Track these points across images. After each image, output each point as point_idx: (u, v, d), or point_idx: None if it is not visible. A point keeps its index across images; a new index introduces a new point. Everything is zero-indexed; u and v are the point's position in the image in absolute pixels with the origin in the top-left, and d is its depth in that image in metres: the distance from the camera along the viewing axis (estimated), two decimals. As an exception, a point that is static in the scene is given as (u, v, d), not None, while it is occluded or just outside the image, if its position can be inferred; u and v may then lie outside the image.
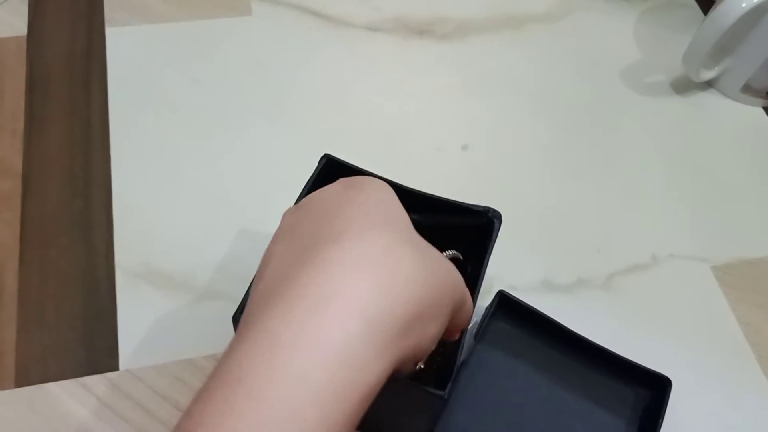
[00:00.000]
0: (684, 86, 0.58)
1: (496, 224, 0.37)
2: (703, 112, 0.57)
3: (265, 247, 0.29)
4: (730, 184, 0.53)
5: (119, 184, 0.49)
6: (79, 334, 0.43)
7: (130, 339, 0.42)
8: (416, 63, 0.57)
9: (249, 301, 0.26)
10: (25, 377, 0.41)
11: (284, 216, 0.31)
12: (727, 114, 0.57)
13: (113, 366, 0.42)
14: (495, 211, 0.38)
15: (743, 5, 0.49)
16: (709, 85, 0.58)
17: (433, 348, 0.28)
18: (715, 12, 0.50)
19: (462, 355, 0.34)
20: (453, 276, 0.28)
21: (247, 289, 0.33)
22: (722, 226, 0.51)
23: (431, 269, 0.26)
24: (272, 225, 0.31)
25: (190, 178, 0.49)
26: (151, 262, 0.45)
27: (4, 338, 0.42)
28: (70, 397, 0.40)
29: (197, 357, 0.42)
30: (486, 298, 0.43)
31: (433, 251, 0.28)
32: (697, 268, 0.48)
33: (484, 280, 0.36)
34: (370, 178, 0.30)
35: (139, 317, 0.43)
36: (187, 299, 0.44)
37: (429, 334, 0.26)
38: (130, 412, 0.40)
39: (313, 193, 0.30)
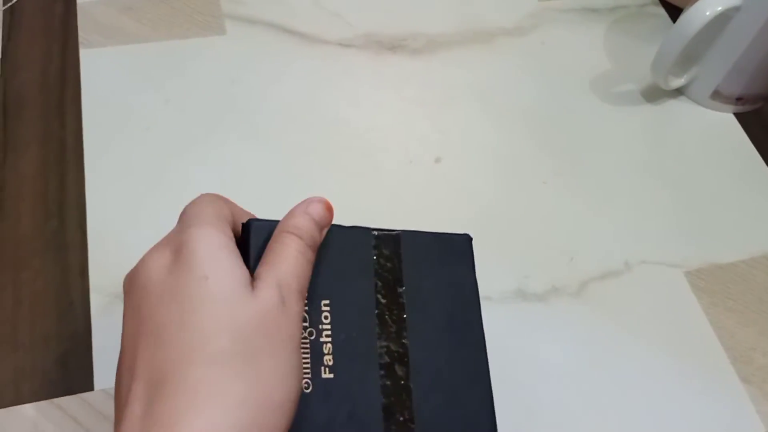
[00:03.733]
0: (654, 94, 0.58)
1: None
2: (674, 119, 0.57)
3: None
4: (701, 190, 0.53)
5: (94, 204, 0.49)
6: (53, 355, 0.43)
7: (105, 359, 0.42)
8: (389, 78, 0.58)
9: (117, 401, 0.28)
10: (-2, 399, 0.41)
11: (125, 291, 0.31)
12: (697, 120, 0.58)
13: (88, 386, 0.42)
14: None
15: (707, 13, 0.50)
16: (679, 92, 0.59)
17: None
18: (680, 21, 0.51)
19: None
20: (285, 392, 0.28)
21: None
22: (694, 232, 0.51)
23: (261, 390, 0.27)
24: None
25: (165, 196, 0.49)
26: (125, 282, 0.45)
27: (-22, 361, 0.42)
28: (45, 418, 0.40)
29: (172, 375, 0.42)
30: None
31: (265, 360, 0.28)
32: (670, 273, 0.49)
33: None
34: (196, 241, 0.29)
35: (114, 337, 0.43)
36: (161, 317, 0.44)
37: None
38: (105, 432, 0.40)
39: (144, 263, 0.30)
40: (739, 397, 0.44)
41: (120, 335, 0.43)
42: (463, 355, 0.34)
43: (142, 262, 0.30)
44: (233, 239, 0.30)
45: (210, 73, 0.57)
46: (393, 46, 0.60)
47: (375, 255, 0.34)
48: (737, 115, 0.58)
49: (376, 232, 0.35)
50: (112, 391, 0.41)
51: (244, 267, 0.29)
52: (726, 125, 0.58)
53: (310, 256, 0.31)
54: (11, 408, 0.40)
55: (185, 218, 0.31)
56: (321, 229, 0.33)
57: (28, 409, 0.40)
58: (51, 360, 0.42)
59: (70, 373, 0.42)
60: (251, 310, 0.28)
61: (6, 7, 0.59)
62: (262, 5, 0.61)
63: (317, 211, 0.32)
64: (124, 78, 0.56)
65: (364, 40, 0.60)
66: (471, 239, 0.37)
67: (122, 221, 0.48)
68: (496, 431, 0.34)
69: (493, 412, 0.34)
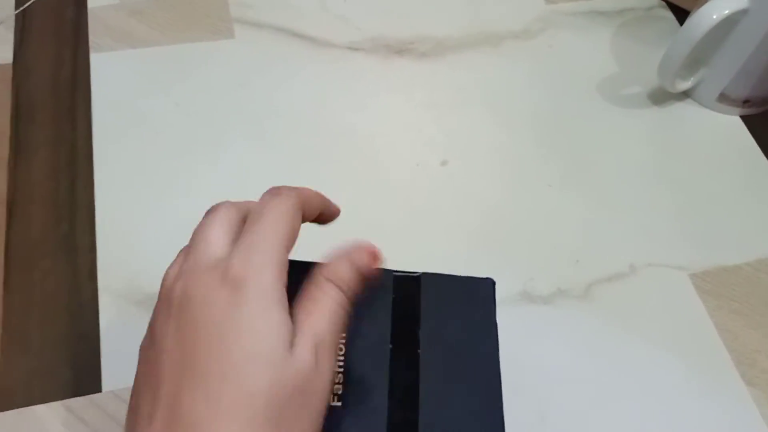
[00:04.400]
0: (661, 97, 0.58)
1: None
2: (681, 122, 0.57)
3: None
4: (707, 193, 0.53)
5: (103, 207, 0.49)
6: (63, 356, 0.43)
7: (113, 359, 0.43)
8: (396, 81, 0.58)
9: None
10: (8, 401, 0.41)
11: (171, 298, 0.30)
12: (704, 123, 0.58)
13: (96, 387, 0.42)
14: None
15: (714, 16, 0.50)
16: (686, 95, 0.59)
17: None
18: (687, 24, 0.51)
19: None
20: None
21: None
22: (700, 235, 0.51)
23: None
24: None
25: (173, 199, 0.50)
26: (134, 283, 0.46)
27: (-11, 362, 0.43)
28: (54, 418, 0.41)
29: (180, 376, 0.42)
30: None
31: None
32: (676, 276, 0.49)
33: None
34: (256, 289, 0.28)
35: (121, 337, 0.44)
36: (170, 319, 0.45)
37: None
38: (114, 433, 0.40)
39: (199, 283, 0.29)
40: (743, 400, 0.44)
41: (128, 337, 0.44)
42: (477, 395, 0.34)
43: (196, 280, 0.29)
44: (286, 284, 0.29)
45: (219, 76, 0.57)
46: (401, 49, 0.60)
47: (393, 295, 0.35)
48: (744, 117, 0.58)
49: (397, 273, 0.36)
50: (120, 393, 0.42)
51: (290, 322, 0.29)
52: (733, 128, 0.58)
53: (349, 309, 0.31)
54: (22, 409, 0.41)
55: (253, 240, 0.30)
56: (363, 280, 0.31)
57: (38, 410, 0.41)
58: (61, 361, 0.43)
59: (80, 374, 0.43)
60: (290, 373, 0.27)
61: (18, 11, 0.60)
62: (271, 9, 0.61)
63: (363, 261, 0.31)
64: (134, 81, 0.56)
65: (372, 44, 0.60)
66: (494, 283, 0.37)
67: (131, 224, 0.49)
68: None
69: None
